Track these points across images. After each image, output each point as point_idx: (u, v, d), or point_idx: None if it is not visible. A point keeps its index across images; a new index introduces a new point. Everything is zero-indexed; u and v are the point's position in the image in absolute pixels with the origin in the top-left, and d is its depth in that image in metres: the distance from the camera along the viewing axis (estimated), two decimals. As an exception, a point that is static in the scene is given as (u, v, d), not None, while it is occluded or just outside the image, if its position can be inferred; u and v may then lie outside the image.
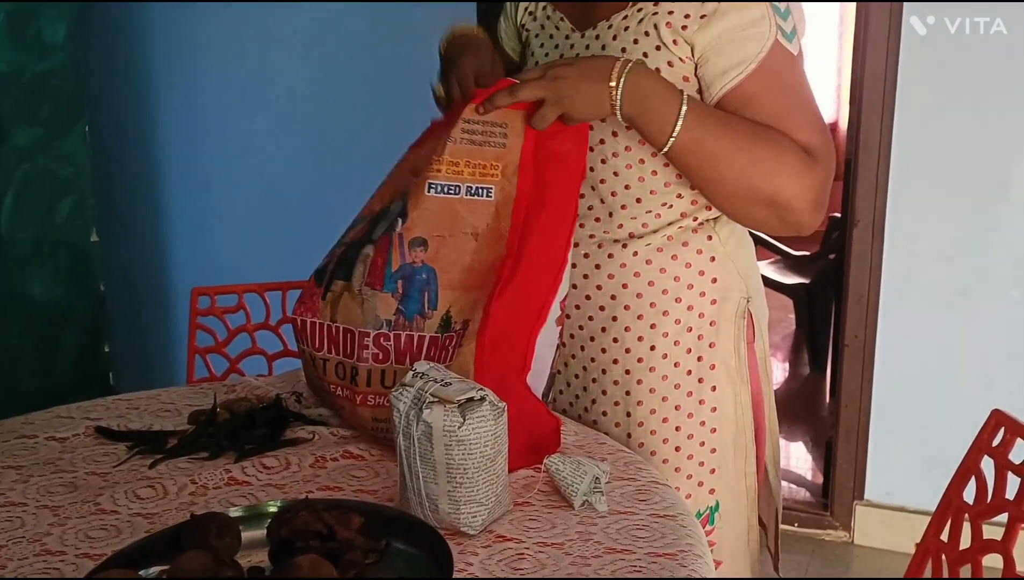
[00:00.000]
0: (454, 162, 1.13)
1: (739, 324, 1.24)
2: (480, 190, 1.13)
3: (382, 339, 1.12)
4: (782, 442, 3.41)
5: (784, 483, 3.02)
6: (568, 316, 1.26)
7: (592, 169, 1.23)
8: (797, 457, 3.41)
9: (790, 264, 4.36)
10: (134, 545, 0.92)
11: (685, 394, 1.23)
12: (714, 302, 1.23)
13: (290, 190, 2.75)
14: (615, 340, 1.24)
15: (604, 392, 1.27)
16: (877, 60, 2.47)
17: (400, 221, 1.13)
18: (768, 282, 4.12)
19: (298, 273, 2.01)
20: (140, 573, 0.89)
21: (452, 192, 1.13)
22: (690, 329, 1.22)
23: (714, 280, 1.23)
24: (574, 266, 1.24)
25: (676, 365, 1.23)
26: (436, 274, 1.12)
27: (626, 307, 1.23)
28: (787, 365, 4.40)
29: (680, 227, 1.22)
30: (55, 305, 1.84)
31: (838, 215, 3.67)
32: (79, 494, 1.11)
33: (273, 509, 0.98)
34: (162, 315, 2.50)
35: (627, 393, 1.25)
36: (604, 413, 1.28)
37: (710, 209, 1.22)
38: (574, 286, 1.25)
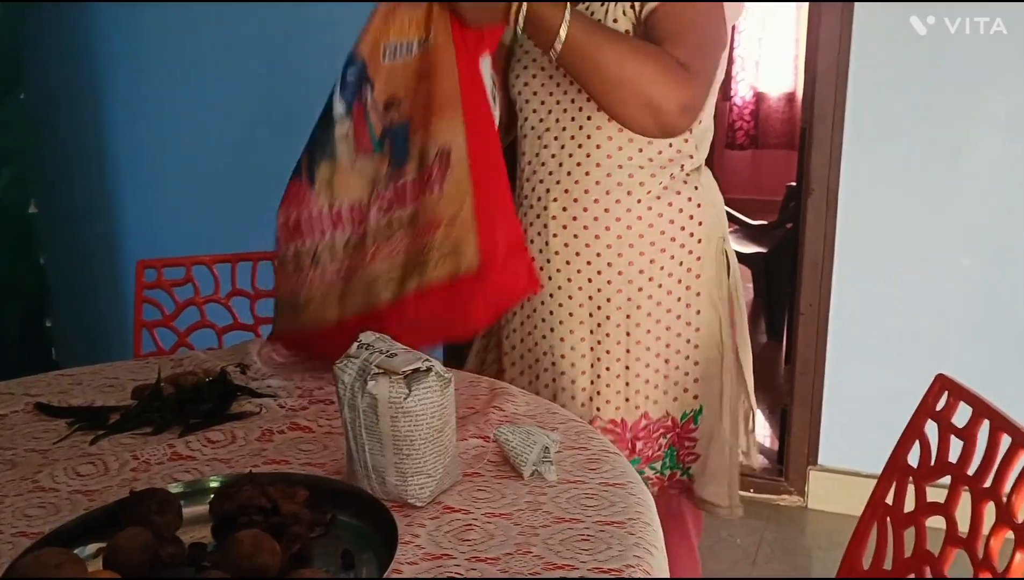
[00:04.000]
0: (399, 22, 1.26)
1: (720, 259, 1.47)
2: (421, 42, 1.26)
3: (384, 193, 1.26)
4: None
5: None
6: (579, 253, 1.43)
7: (599, 127, 1.39)
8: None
9: (748, 234, 4.39)
10: (71, 523, 0.90)
11: (675, 317, 1.44)
12: (700, 241, 1.44)
13: (239, 161, 2.70)
14: (619, 273, 1.43)
15: (608, 318, 1.45)
16: (831, 30, 2.47)
17: (369, 91, 1.26)
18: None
19: (247, 245, 1.98)
20: (77, 551, 0.87)
21: (405, 51, 1.26)
22: (681, 263, 1.43)
23: (700, 223, 1.44)
24: (584, 211, 1.42)
25: (668, 293, 1.43)
26: (407, 124, 1.25)
27: (630, 245, 1.42)
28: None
29: (672, 176, 1.41)
30: (-6, 280, 1.78)
31: (794, 184, 3.70)
32: (17, 471, 1.08)
33: (215, 484, 0.96)
34: (108, 288, 2.44)
35: (627, 317, 1.44)
36: (608, 334, 1.45)
37: (692, 158, 1.42)
38: (584, 228, 1.42)
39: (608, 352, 1.45)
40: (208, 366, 1.37)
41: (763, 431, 3.32)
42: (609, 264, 1.43)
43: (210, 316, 1.83)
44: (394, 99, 1.26)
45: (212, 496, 0.93)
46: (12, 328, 1.84)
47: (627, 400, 1.44)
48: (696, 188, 1.44)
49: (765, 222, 4.40)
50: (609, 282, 1.44)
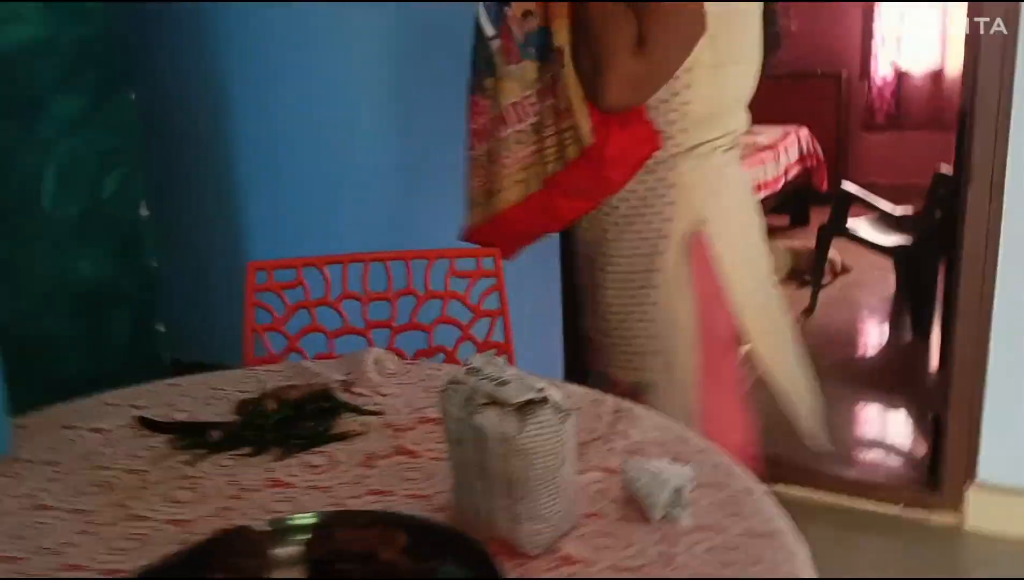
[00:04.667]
0: None
1: (687, 240, 1.49)
2: None
3: (540, 88, 1.48)
4: (880, 410, 3.22)
5: (883, 455, 2.83)
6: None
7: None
8: (897, 429, 3.19)
9: (890, 223, 4.07)
10: (156, 568, 0.83)
11: (638, 287, 1.51)
12: (668, 220, 1.49)
13: (359, 161, 2.65)
14: (589, 242, 1.56)
15: (583, 277, 1.59)
16: (996, 4, 2.20)
17: (508, 8, 1.48)
18: (864, 242, 3.87)
19: (360, 245, 1.91)
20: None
21: None
22: (646, 239, 1.50)
23: (671, 203, 1.48)
24: None
25: (631, 266, 1.51)
26: (547, 28, 1.44)
27: (606, 214, 1.53)
28: (887, 330, 4.13)
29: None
30: (104, 284, 1.75)
31: (947, 172, 3.40)
32: (113, 496, 1.03)
33: (308, 522, 0.87)
34: (226, 291, 2.42)
35: (597, 284, 1.55)
36: (584, 295, 1.58)
37: (674, 139, 1.45)
38: None
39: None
40: (312, 379, 1.30)
41: (908, 439, 3.06)
42: (585, 230, 1.56)
43: (321, 319, 1.76)
44: (528, 11, 1.47)
45: (309, 537, 0.84)
46: (123, 334, 1.83)
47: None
48: (671, 169, 1.47)
49: (910, 212, 4.07)
50: (583, 247, 1.57)
